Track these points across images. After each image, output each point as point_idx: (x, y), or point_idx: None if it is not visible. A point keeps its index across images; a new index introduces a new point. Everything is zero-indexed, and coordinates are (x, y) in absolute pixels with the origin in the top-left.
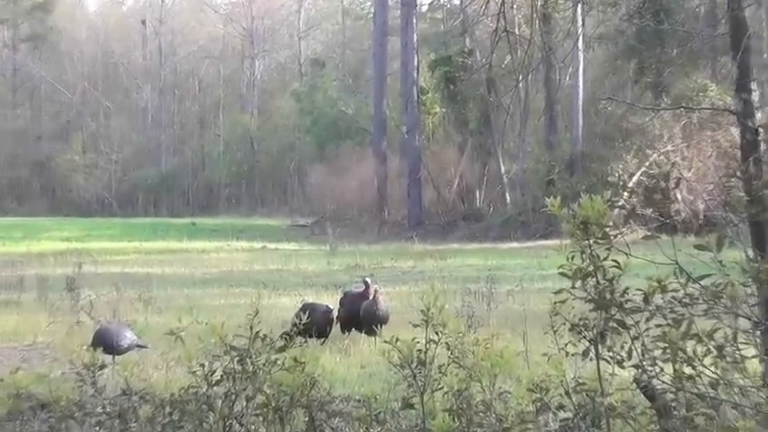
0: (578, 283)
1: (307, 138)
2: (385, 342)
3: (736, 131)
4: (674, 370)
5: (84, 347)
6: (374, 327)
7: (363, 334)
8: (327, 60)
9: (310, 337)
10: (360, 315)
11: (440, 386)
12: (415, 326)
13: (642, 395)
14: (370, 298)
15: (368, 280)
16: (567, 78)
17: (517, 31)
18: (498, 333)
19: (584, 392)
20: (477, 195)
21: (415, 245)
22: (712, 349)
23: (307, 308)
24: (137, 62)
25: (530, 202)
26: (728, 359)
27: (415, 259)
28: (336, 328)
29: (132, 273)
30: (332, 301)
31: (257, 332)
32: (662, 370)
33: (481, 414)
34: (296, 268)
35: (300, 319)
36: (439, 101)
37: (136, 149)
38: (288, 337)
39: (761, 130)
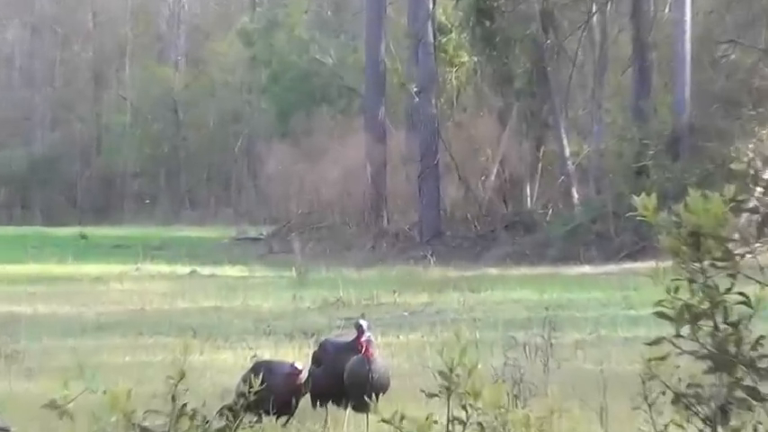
0: (685, 330)
1: (261, 102)
2: (383, 421)
3: None
4: None
5: None
6: (366, 397)
7: (349, 409)
8: None
9: (266, 413)
10: (344, 379)
11: None
12: (431, 396)
13: None
14: (361, 352)
15: (363, 323)
16: (667, 9)
17: None
18: (562, 408)
19: None
20: (528, 192)
21: (429, 268)
22: None
23: (261, 368)
24: None
25: (610, 203)
26: None
27: (431, 291)
28: (307, 399)
29: None
30: (300, 358)
31: (182, 406)
32: None
33: None
34: (244, 306)
35: (251, 386)
36: (467, 44)
37: None
38: (231, 414)
39: None
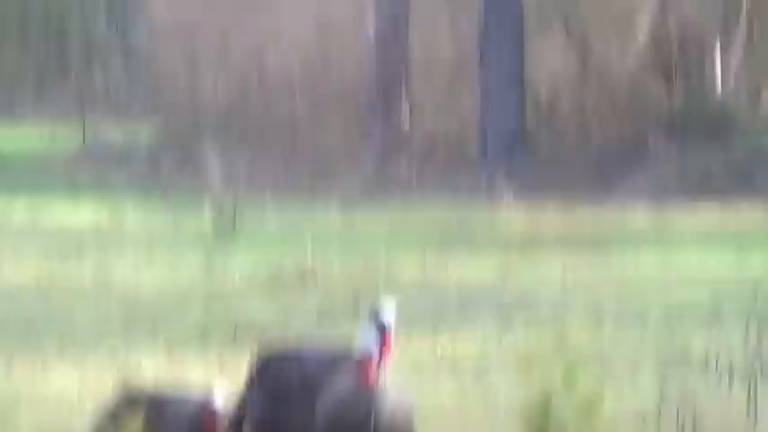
0: None
1: None
2: None
3: None
4: None
5: None
6: None
7: None
8: None
9: None
10: (321, 425)
11: None
12: None
13: None
14: (362, 376)
15: (384, 317)
16: None
17: None
18: None
19: None
20: (715, 65)
21: (501, 210)
22: None
23: (136, 404)
24: None
25: None
26: None
27: (505, 254)
28: None
29: None
30: (226, 382)
31: None
32: None
33: None
34: (102, 281)
35: None
36: None
37: None
38: None
39: None
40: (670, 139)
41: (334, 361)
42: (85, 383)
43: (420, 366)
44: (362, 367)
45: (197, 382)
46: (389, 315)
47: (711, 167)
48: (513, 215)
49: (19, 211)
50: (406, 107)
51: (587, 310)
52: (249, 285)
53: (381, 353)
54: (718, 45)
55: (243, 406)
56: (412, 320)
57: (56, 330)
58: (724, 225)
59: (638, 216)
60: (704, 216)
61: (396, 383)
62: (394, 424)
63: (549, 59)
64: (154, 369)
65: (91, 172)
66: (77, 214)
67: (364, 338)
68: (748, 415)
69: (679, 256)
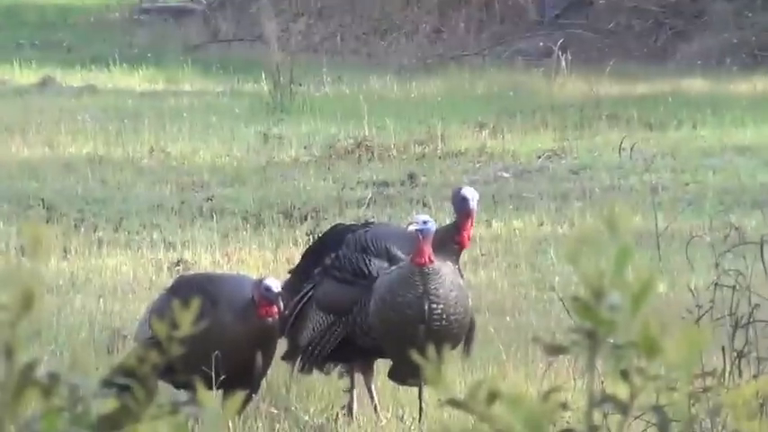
0: None
1: None
2: (449, 404)
3: None
4: None
5: None
6: (416, 352)
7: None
8: None
9: (204, 382)
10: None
11: None
12: (552, 351)
13: None
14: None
15: (469, 194)
16: None
17: None
18: None
19: None
20: None
21: (557, 78)
22: None
23: (191, 289)
24: None
25: None
26: None
27: (560, 126)
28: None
29: None
30: (277, 269)
31: (27, 368)
32: None
33: None
34: (155, 155)
35: (173, 328)
36: None
37: None
38: (129, 387)
39: None
40: (727, 6)
41: (396, 238)
42: (140, 267)
43: (474, 244)
44: (417, 246)
45: (250, 267)
46: (473, 201)
47: None
48: (567, 84)
49: (75, 78)
50: None
51: (643, 188)
52: (301, 159)
53: (461, 236)
54: None
55: (308, 288)
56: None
57: (112, 208)
58: None
59: (695, 84)
60: (739, 86)
61: (450, 268)
62: (447, 310)
63: None
64: (208, 255)
65: (145, 34)
66: (131, 80)
67: (421, 218)
68: None
69: (734, 130)
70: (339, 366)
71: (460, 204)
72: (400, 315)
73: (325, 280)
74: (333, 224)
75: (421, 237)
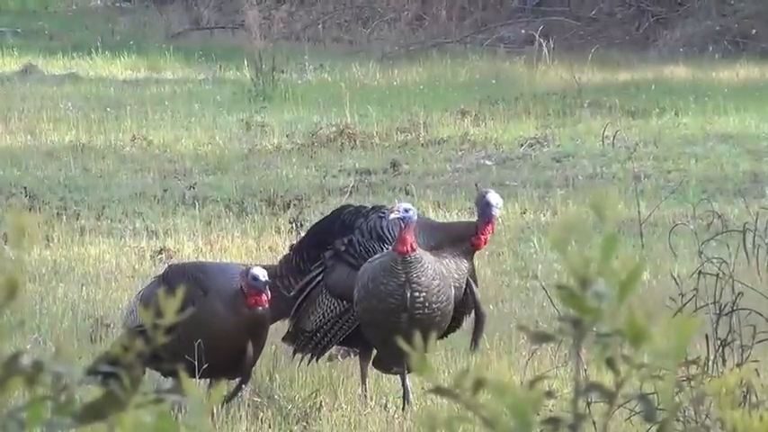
0: None
1: None
2: (435, 392)
3: None
4: None
5: None
6: (401, 339)
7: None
8: None
9: (192, 370)
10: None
11: None
12: (538, 339)
13: None
14: (400, 245)
15: (494, 200)
16: None
17: None
18: None
19: None
20: None
21: (540, 66)
22: None
23: (179, 278)
24: None
25: None
26: None
27: (543, 114)
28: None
29: None
30: (261, 256)
31: (12, 359)
32: None
33: None
34: (137, 142)
35: (158, 316)
36: None
37: None
38: (113, 374)
39: None
40: None
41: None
42: (123, 257)
43: None
44: (399, 235)
45: (235, 248)
46: (496, 209)
47: (751, 24)
48: (550, 72)
49: (57, 66)
50: None
51: (624, 175)
52: (284, 147)
53: (479, 239)
54: None
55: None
56: (449, 184)
57: (94, 196)
58: (763, 82)
59: (675, 74)
60: (720, 73)
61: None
62: (427, 297)
63: None
64: (191, 244)
65: (127, 22)
66: (116, 69)
67: (402, 206)
68: None
69: (714, 117)
70: (333, 350)
71: (484, 209)
72: (383, 303)
73: (339, 266)
74: (341, 205)
75: (403, 225)
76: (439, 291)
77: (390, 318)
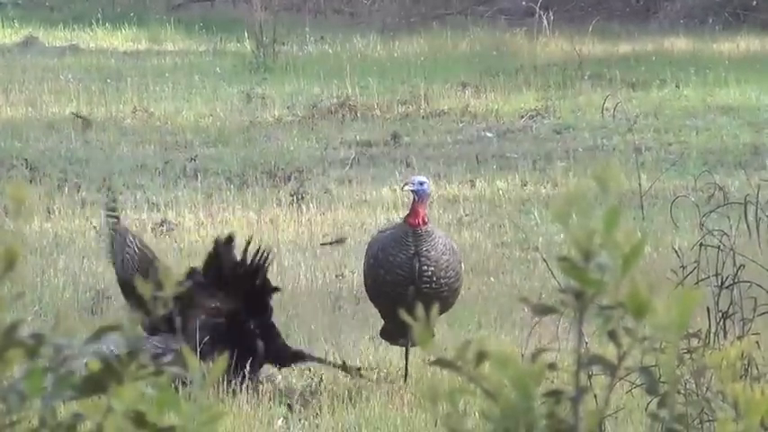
0: None
1: None
2: (435, 364)
3: None
4: None
5: None
6: (405, 310)
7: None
8: None
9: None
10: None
11: None
12: (541, 311)
13: None
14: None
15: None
16: None
17: None
18: None
19: None
20: None
21: (540, 39)
22: None
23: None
24: None
25: None
26: None
27: (543, 86)
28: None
29: None
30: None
31: (10, 329)
32: None
33: None
34: (138, 114)
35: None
36: None
37: None
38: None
39: None
40: None
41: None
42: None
43: (454, 206)
44: (412, 207)
45: (236, 220)
46: (410, 184)
47: None
48: (551, 45)
49: (58, 37)
50: None
51: (626, 147)
52: (285, 118)
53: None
54: None
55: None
56: (450, 156)
57: (95, 169)
58: (764, 54)
59: (678, 44)
60: (721, 45)
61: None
62: (437, 270)
63: None
64: (193, 208)
65: None
66: (117, 41)
67: (417, 179)
68: None
69: (714, 89)
70: None
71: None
72: (391, 274)
73: None
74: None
75: (416, 198)
76: (448, 266)
77: (397, 289)
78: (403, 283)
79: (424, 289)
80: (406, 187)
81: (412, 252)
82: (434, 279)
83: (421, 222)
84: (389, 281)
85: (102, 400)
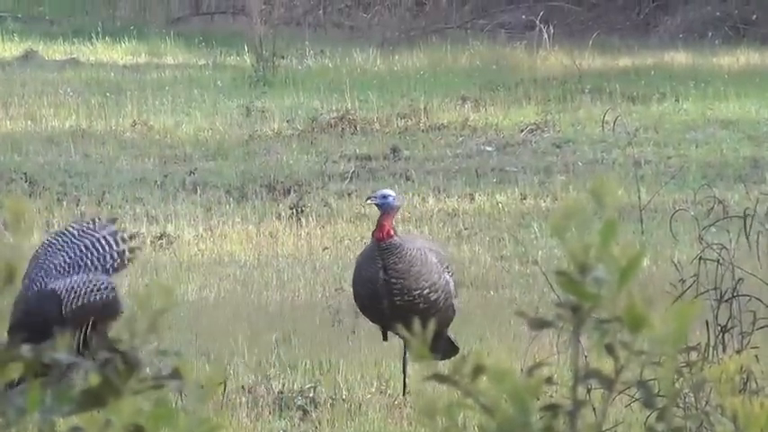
0: None
1: None
2: (435, 379)
3: None
4: None
5: None
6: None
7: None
8: None
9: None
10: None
11: None
12: (537, 325)
13: None
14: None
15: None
16: None
17: None
18: None
19: None
20: None
21: (540, 52)
22: None
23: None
24: None
25: None
26: None
27: (543, 100)
28: None
29: None
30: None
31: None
32: None
33: None
34: (137, 127)
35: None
36: None
37: None
38: None
39: None
40: None
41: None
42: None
43: (452, 219)
44: (378, 222)
45: (236, 234)
46: (374, 198)
47: (751, 9)
48: (551, 59)
49: (58, 51)
50: None
51: (626, 161)
52: (284, 133)
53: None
54: None
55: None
56: (450, 170)
57: (94, 182)
58: (764, 68)
59: (677, 58)
60: (721, 59)
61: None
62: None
63: None
64: (192, 221)
65: (127, 6)
66: (116, 54)
67: (381, 192)
68: None
69: (715, 102)
70: None
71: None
72: (364, 288)
73: None
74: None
75: (381, 211)
76: (419, 277)
77: (373, 303)
78: (376, 297)
79: (396, 302)
80: (369, 201)
81: (379, 265)
82: (405, 291)
83: (385, 236)
84: (364, 295)
85: (100, 414)
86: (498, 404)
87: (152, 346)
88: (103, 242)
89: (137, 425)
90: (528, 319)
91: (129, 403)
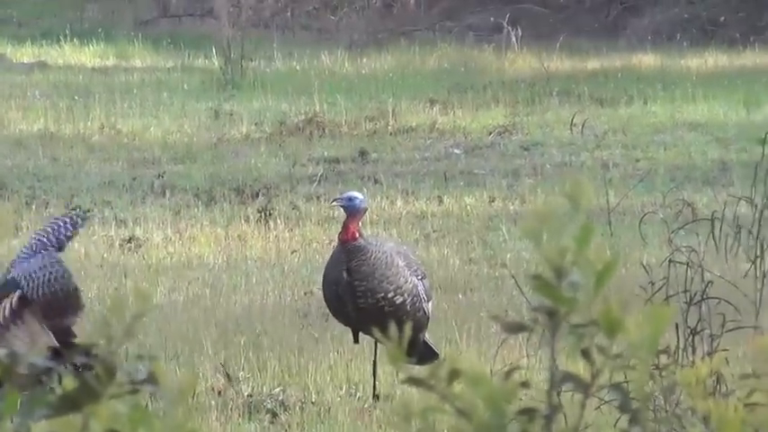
0: None
1: None
2: (408, 383)
3: None
4: None
5: None
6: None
7: None
8: None
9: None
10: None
11: None
12: (511, 329)
13: None
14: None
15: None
16: None
17: None
18: None
19: None
20: None
21: (508, 55)
22: None
23: None
24: None
25: None
26: None
27: (511, 102)
28: None
29: None
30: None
31: None
32: None
33: None
34: (106, 131)
35: None
36: None
37: None
38: None
39: None
40: None
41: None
42: (91, 242)
43: (420, 222)
44: (344, 224)
45: (204, 237)
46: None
47: (717, 12)
48: (519, 61)
49: (26, 54)
50: None
51: (594, 164)
52: (253, 136)
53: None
54: None
55: None
56: (418, 172)
57: (63, 185)
58: (727, 74)
59: (646, 60)
60: (688, 61)
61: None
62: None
63: None
64: (161, 224)
65: (96, 9)
66: (84, 57)
67: (347, 194)
68: (756, 273)
69: (683, 105)
70: None
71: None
72: (330, 291)
73: None
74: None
75: (346, 213)
76: (383, 280)
77: (339, 305)
78: (341, 299)
79: (360, 304)
80: (334, 203)
81: (343, 267)
82: (369, 294)
83: (350, 237)
84: (329, 297)
85: (76, 419)
86: (474, 408)
87: (125, 350)
88: (60, 222)
89: (113, 430)
90: (503, 323)
91: (106, 408)
